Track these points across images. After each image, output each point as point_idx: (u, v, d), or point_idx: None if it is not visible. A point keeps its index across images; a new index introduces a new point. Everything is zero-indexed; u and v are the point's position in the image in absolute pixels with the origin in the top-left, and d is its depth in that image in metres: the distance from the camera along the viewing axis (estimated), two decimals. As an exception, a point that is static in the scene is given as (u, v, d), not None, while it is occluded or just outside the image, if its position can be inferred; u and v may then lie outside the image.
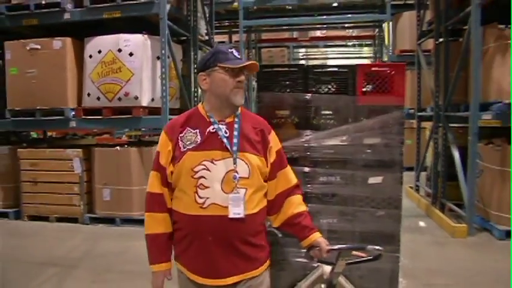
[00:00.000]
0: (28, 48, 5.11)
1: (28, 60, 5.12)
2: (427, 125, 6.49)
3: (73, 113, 5.13)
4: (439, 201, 5.46)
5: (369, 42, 12.66)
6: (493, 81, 4.49)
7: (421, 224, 5.18)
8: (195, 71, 5.36)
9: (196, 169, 1.64)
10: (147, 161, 5.13)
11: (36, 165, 5.35)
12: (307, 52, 15.14)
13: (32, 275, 3.65)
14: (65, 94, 5.10)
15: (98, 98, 4.98)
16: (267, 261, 1.80)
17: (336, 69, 2.60)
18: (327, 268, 2.02)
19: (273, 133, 1.83)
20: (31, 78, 5.12)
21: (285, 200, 1.81)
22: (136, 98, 4.88)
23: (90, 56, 5.03)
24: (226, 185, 1.64)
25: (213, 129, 1.69)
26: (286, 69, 2.61)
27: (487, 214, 4.61)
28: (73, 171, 5.24)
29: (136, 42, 4.89)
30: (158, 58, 4.97)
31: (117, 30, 4.97)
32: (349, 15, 10.20)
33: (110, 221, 5.18)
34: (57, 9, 5.06)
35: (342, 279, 2.34)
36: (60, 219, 5.32)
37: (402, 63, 2.61)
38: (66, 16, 5.07)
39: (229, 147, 1.67)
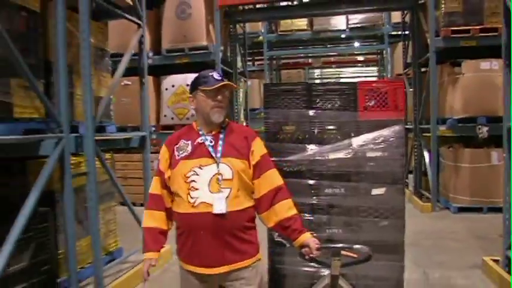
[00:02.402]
0: (123, 83, 7.29)
1: (122, 92, 7.28)
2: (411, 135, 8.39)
3: (153, 128, 7.25)
4: (417, 191, 7.39)
5: (375, 63, 14.65)
6: (447, 103, 6.44)
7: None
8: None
9: (188, 174, 1.90)
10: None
11: (126, 166, 7.50)
12: (321, 72, 17.18)
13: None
14: (135, 116, 7.24)
15: (172, 118, 7.11)
16: (257, 255, 1.99)
17: (338, 86, 2.75)
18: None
19: (257, 139, 2.03)
20: (124, 104, 7.29)
21: (275, 201, 1.98)
22: (198, 118, 6.99)
23: (166, 89, 7.18)
24: (213, 186, 1.88)
25: (200, 140, 1.96)
26: (291, 87, 2.74)
27: (448, 196, 6.52)
28: (153, 169, 7.36)
29: (199, 79, 7.03)
30: (213, 90, 7.09)
31: (184, 71, 7.08)
32: (355, 45, 12.18)
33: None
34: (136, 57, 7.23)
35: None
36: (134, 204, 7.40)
37: (401, 80, 2.85)
38: (150, 61, 7.22)
39: (213, 154, 1.92)
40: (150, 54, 7.25)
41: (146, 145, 4.47)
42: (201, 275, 1.93)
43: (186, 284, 2.01)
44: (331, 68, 15.55)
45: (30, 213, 2.69)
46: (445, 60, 6.50)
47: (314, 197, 2.57)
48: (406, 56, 8.46)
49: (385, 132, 2.55)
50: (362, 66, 15.76)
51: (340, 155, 2.58)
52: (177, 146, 1.97)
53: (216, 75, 1.94)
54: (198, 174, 1.89)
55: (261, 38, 11.57)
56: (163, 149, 2.02)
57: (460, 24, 6.18)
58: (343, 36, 11.63)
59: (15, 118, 2.76)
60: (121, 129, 7.51)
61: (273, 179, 2.00)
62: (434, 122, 6.36)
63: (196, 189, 1.88)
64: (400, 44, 10.56)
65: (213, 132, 1.97)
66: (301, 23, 11.07)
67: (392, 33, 11.04)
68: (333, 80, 16.57)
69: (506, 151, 3.68)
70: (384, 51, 12.13)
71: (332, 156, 2.60)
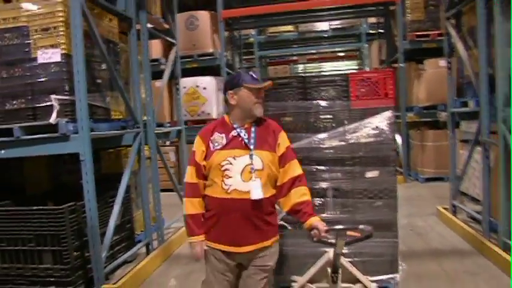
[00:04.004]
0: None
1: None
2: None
3: (169, 124, 8.45)
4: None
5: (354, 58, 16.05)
6: (414, 94, 7.86)
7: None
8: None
9: (222, 163, 2.08)
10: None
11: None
12: (305, 67, 18.53)
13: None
14: (163, 113, 8.44)
15: (185, 115, 8.32)
16: (276, 236, 2.22)
17: (330, 78, 2.88)
18: (332, 254, 2.28)
19: (282, 133, 2.23)
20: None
21: (292, 188, 2.16)
22: (208, 114, 8.24)
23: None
24: (245, 175, 2.06)
25: (235, 133, 2.13)
26: (288, 80, 2.86)
27: (416, 170, 7.96)
28: (170, 159, 8.59)
29: (207, 81, 8.24)
30: (220, 89, 8.35)
31: (195, 74, 8.29)
32: (336, 44, 13.50)
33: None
34: (156, 63, 8.41)
35: (347, 265, 2.49)
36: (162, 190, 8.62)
37: (390, 69, 2.79)
38: (162, 67, 8.40)
39: (248, 146, 2.09)
40: (163, 60, 8.44)
41: (182, 137, 5.68)
42: (228, 252, 2.14)
43: (212, 261, 2.18)
44: (314, 63, 16.92)
45: (126, 185, 3.94)
46: (412, 59, 7.90)
47: (313, 182, 2.70)
48: (380, 54, 9.86)
49: (377, 119, 2.67)
50: (343, 61, 17.18)
51: (335, 142, 2.71)
52: (212, 138, 2.15)
53: (254, 74, 2.16)
54: (231, 164, 2.08)
55: (252, 39, 12.77)
56: (199, 142, 2.19)
57: (422, 30, 7.60)
58: (325, 35, 12.90)
59: (112, 119, 3.99)
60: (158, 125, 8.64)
61: (294, 168, 2.20)
62: (403, 110, 7.78)
63: (230, 177, 2.07)
64: (375, 42, 12.07)
65: (246, 126, 2.16)
66: (288, 26, 12.31)
67: (369, 31, 12.43)
68: (315, 75, 17.95)
69: (451, 129, 5.08)
70: (362, 48, 13.49)
71: (328, 143, 2.73)
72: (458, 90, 5.02)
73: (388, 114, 2.73)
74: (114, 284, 3.51)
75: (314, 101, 2.83)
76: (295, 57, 15.33)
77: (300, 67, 18.54)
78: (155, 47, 7.85)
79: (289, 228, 2.73)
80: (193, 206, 2.18)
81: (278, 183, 2.20)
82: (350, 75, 2.80)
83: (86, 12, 3.26)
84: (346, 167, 2.76)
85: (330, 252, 2.34)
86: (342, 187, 2.73)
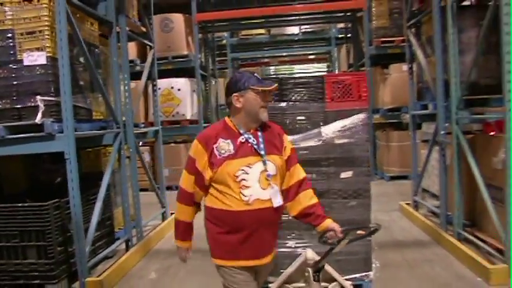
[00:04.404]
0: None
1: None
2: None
3: (143, 125, 8.55)
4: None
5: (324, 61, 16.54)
6: (379, 97, 8.31)
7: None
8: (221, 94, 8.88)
9: (237, 174, 1.94)
10: (187, 153, 8.62)
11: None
12: (276, 69, 18.89)
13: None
14: (138, 114, 8.53)
15: (160, 116, 8.45)
16: None
17: (306, 79, 2.87)
18: (310, 254, 2.28)
19: (286, 135, 2.16)
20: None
21: (299, 192, 2.09)
22: (183, 114, 8.40)
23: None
24: (262, 182, 1.96)
25: (242, 139, 1.99)
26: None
27: (382, 169, 8.41)
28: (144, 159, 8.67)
29: (181, 82, 8.40)
30: (194, 91, 8.52)
31: (169, 76, 8.43)
32: (307, 47, 13.89)
33: (168, 188, 8.61)
34: (132, 64, 8.49)
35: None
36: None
37: (363, 72, 3.13)
38: (137, 68, 8.50)
39: (259, 152, 1.98)
40: (138, 61, 8.54)
41: (159, 137, 5.85)
42: (247, 267, 2.00)
43: (229, 277, 2.01)
44: (285, 65, 17.30)
45: (107, 183, 4.09)
46: (377, 63, 8.35)
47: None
48: (349, 58, 10.29)
49: (351, 120, 2.70)
50: (313, 63, 17.64)
51: (311, 143, 2.70)
52: (216, 145, 1.98)
53: (258, 77, 2.04)
54: (247, 173, 1.95)
55: (224, 41, 12.98)
56: (199, 148, 2.01)
57: (387, 36, 8.04)
58: (296, 39, 13.26)
59: (93, 119, 4.13)
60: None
61: (299, 171, 2.14)
62: (370, 112, 8.19)
63: (248, 187, 1.94)
64: (344, 46, 12.54)
65: (251, 131, 2.04)
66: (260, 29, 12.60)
67: (339, 36, 12.88)
68: (287, 76, 18.40)
69: (412, 131, 5.49)
70: (332, 52, 13.95)
71: (303, 144, 2.72)
72: (419, 93, 5.43)
73: (362, 116, 2.81)
74: (97, 277, 3.66)
75: (290, 102, 2.90)
76: (267, 60, 15.64)
77: (272, 69, 18.90)
78: (130, 49, 7.92)
79: None
80: (186, 213, 2.11)
81: (284, 187, 2.12)
82: (325, 77, 2.87)
83: (70, 17, 3.40)
84: (321, 168, 2.82)
85: (309, 252, 2.33)
86: (317, 188, 2.68)
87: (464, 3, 4.65)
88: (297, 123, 2.87)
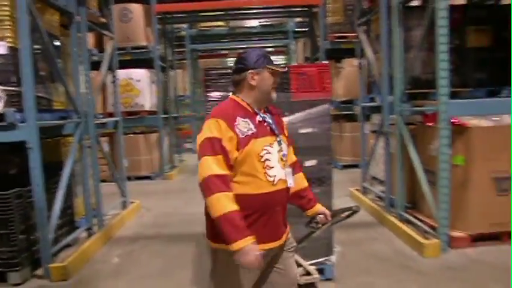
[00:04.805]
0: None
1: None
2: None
3: (101, 116, 8.50)
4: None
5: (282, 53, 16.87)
6: (333, 90, 8.71)
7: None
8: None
9: (261, 154, 1.87)
10: (146, 144, 8.69)
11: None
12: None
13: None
14: (96, 104, 8.46)
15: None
16: None
17: None
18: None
19: (283, 117, 2.19)
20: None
21: (295, 173, 2.09)
22: (142, 105, 8.43)
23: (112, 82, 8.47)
24: (281, 162, 1.94)
25: (259, 118, 1.95)
26: (230, 71, 2.86)
27: (336, 158, 8.86)
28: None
29: (141, 73, 8.43)
30: (153, 82, 8.56)
31: (128, 66, 8.42)
32: (265, 40, 14.14)
33: (128, 178, 8.64)
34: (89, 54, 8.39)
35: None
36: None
37: (326, 64, 2.94)
38: (95, 58, 8.41)
39: (275, 132, 1.96)
40: (95, 51, 8.46)
41: (119, 128, 5.92)
42: (267, 250, 1.91)
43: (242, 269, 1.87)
44: (244, 57, 17.48)
45: (69, 172, 4.16)
46: (332, 57, 8.74)
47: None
48: (305, 51, 10.65)
49: (314, 110, 2.77)
50: (272, 56, 17.88)
51: None
52: (237, 123, 1.87)
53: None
54: (270, 153, 1.90)
55: (183, 33, 12.98)
56: (224, 127, 1.84)
57: (341, 32, 8.44)
58: (255, 31, 13.47)
59: (54, 109, 4.18)
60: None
61: (292, 153, 2.14)
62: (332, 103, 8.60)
63: (272, 167, 1.90)
64: (301, 40, 12.90)
65: (262, 111, 2.00)
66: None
67: (296, 29, 13.23)
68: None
69: (362, 122, 5.89)
70: (289, 45, 14.29)
71: None
72: (368, 87, 5.83)
73: (325, 106, 2.90)
74: (61, 263, 3.75)
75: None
76: (226, 51, 15.74)
77: (230, 61, 19.01)
78: (88, 39, 7.87)
79: None
80: (230, 201, 1.78)
81: None
82: (290, 68, 2.89)
83: (30, 7, 3.45)
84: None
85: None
86: (282, 176, 2.86)
87: (412, 3, 5.04)
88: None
